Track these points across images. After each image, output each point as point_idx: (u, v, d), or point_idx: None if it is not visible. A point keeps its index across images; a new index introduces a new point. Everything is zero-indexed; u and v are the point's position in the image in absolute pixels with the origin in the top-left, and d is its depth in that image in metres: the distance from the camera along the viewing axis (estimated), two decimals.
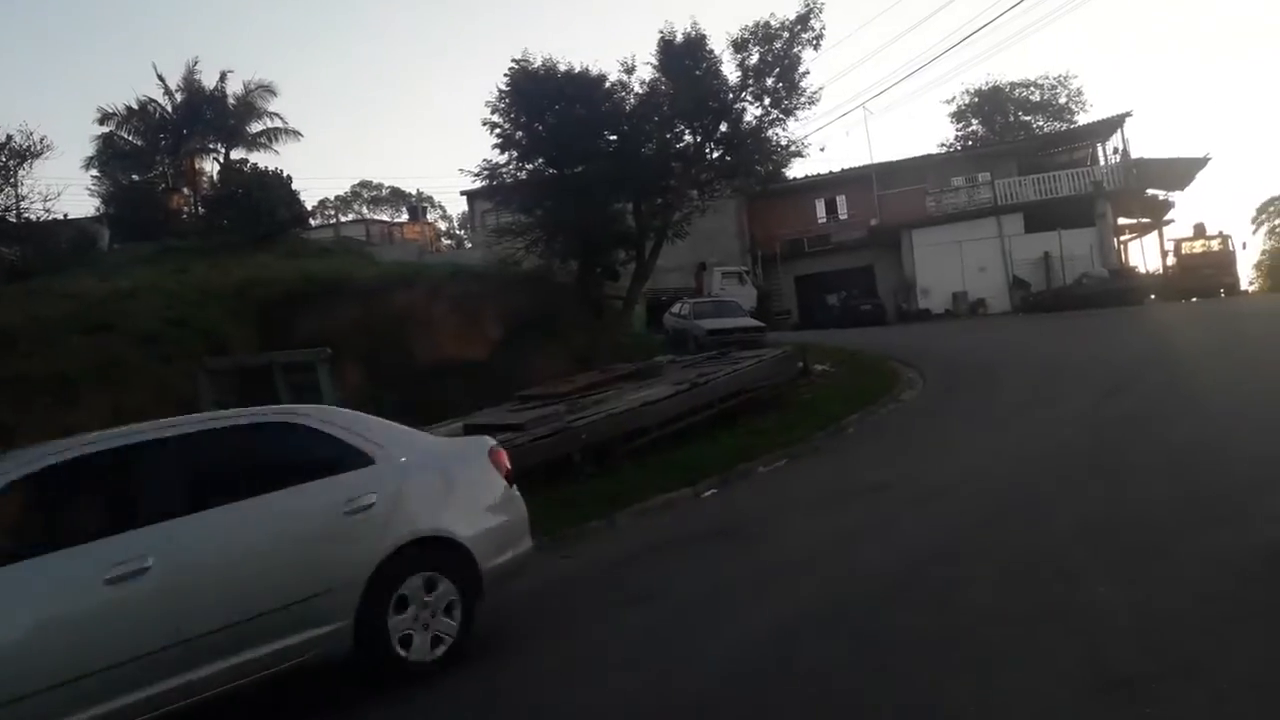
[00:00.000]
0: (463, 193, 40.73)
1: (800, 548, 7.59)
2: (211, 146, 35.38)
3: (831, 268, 39.77)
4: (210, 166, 35.52)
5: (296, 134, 36.07)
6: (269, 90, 35.02)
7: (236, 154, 34.86)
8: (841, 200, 41.62)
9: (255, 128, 35.25)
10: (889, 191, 38.75)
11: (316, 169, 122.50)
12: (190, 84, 33.83)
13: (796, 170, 31.41)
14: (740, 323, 23.92)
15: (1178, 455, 8.69)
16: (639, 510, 9.90)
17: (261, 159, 33.88)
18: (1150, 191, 37.00)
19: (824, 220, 41.97)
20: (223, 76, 34.34)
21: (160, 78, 34.05)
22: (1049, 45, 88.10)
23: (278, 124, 35.44)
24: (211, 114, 34.11)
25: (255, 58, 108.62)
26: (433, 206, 65.10)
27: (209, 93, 34.05)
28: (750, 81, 20.99)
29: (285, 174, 28.16)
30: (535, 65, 20.28)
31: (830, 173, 40.48)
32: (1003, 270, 35.01)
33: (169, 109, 33.71)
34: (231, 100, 34.50)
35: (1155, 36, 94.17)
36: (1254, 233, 55.39)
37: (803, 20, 20.55)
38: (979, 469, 9.65)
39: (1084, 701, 4.02)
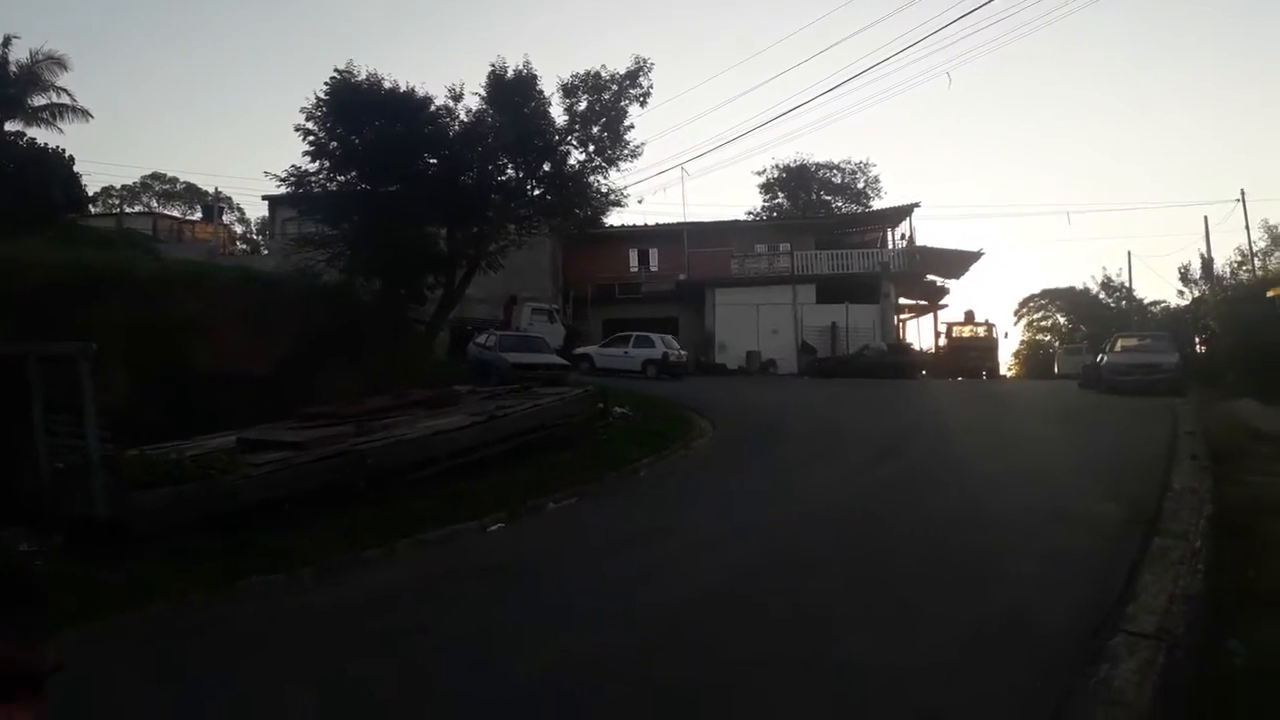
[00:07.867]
0: (265, 197, 38.59)
1: (579, 589, 7.60)
2: None
3: (639, 315, 40.59)
4: None
5: (85, 114, 32.75)
6: (59, 63, 31.68)
7: (12, 126, 31.48)
8: (654, 253, 42.92)
9: (38, 101, 31.98)
10: (698, 250, 40.27)
11: (105, 154, 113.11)
12: None
13: (614, 219, 32.13)
14: (545, 359, 23.91)
15: (938, 517, 9.45)
16: (420, 541, 9.55)
17: (41, 135, 30.75)
18: (929, 277, 40.54)
19: (636, 269, 43.08)
20: (6, 41, 30.77)
21: None
22: (854, 133, 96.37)
23: (65, 100, 32.28)
24: None
25: (50, 29, 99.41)
26: (230, 208, 60.96)
27: None
28: (577, 127, 21.27)
29: (66, 153, 25.75)
30: (359, 78, 19.63)
31: (645, 225, 41.64)
32: (794, 335, 37.10)
33: None
34: (14, 68, 31.03)
35: (948, 140, 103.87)
36: (1015, 324, 61.57)
37: (632, 76, 21.13)
38: (756, 520, 10.06)
39: None
